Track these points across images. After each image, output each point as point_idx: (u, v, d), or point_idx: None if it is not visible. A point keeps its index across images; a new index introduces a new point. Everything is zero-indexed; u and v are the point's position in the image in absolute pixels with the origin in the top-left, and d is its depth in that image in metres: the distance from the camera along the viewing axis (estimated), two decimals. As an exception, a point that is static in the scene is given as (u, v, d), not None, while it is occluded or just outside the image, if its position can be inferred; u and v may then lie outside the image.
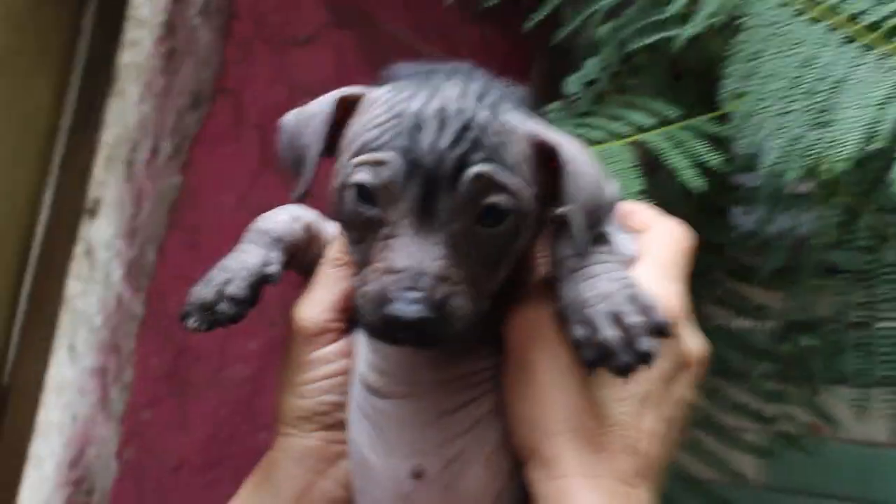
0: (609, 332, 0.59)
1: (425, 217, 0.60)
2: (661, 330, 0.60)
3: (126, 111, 1.56)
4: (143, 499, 1.59)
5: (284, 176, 0.67)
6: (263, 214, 0.73)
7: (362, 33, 1.84)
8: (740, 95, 1.07)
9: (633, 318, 0.59)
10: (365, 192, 0.61)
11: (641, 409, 0.63)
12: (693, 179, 1.10)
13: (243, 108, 1.70)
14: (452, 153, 0.59)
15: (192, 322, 0.68)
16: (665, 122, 1.19)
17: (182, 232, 1.62)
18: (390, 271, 0.59)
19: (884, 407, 1.25)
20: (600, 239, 0.65)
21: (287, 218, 0.73)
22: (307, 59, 1.79)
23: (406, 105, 0.62)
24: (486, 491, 0.68)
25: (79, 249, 1.56)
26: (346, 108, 0.66)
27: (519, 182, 0.61)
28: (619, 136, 1.17)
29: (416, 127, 0.60)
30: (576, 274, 0.63)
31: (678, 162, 1.11)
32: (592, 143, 1.16)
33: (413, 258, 0.59)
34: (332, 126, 0.66)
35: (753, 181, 1.34)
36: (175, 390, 1.62)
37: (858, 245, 1.21)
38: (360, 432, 0.71)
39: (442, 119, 0.60)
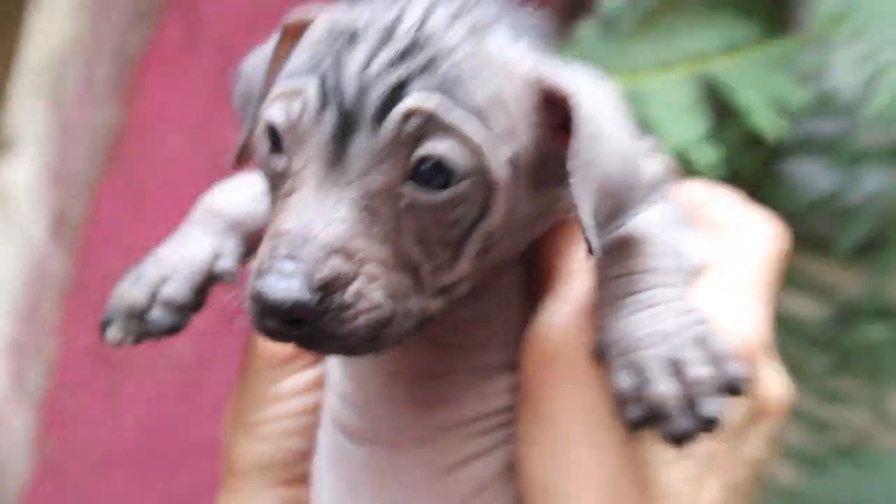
0: (664, 387, 0.52)
1: (335, 165, 0.51)
2: (735, 388, 0.52)
3: (52, 24, 1.38)
4: (63, 499, 1.50)
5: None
6: (217, 187, 0.66)
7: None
8: (840, 18, 1.02)
9: (700, 371, 0.52)
10: (275, 136, 0.53)
11: (703, 474, 0.58)
12: (770, 123, 1.00)
13: (200, 22, 1.54)
14: (386, 77, 0.50)
15: (113, 332, 0.62)
16: (732, 50, 1.09)
17: (120, 178, 1.50)
18: (275, 235, 0.51)
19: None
20: (664, 250, 0.57)
21: (249, 194, 0.64)
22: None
23: (353, 21, 0.54)
24: None
25: (-10, 194, 1.43)
26: (295, 38, 0.59)
27: (484, 131, 0.51)
28: (676, 66, 1.08)
29: (349, 44, 0.52)
30: (627, 298, 0.54)
31: (753, 100, 1.01)
32: (640, 74, 1.07)
33: (303, 217, 0.50)
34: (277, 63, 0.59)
35: (833, 130, 1.26)
36: (105, 370, 1.51)
37: None
38: (328, 490, 0.64)
39: (387, 34, 0.52)
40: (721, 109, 1.11)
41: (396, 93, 0.49)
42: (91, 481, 1.49)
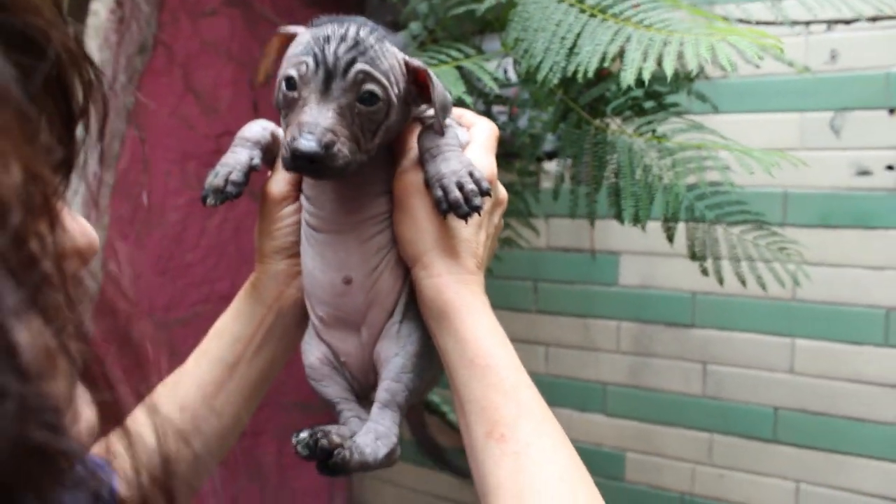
0: (455, 194, 0.70)
1: (325, 94, 0.67)
2: (486, 192, 0.71)
3: (92, 54, 1.83)
4: (117, 295, 1.97)
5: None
6: (245, 126, 0.81)
7: (244, 10, 2.20)
8: (517, 41, 1.32)
9: (470, 186, 0.70)
10: (291, 82, 0.69)
11: (478, 230, 0.76)
12: (492, 86, 1.38)
13: (172, 54, 2.06)
14: (345, 56, 0.68)
15: (210, 200, 0.75)
16: (467, 57, 1.44)
17: (132, 130, 1.99)
18: (299, 124, 0.67)
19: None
20: (450, 134, 0.74)
21: (259, 128, 0.81)
22: (211, 24, 2.13)
23: (320, 33, 0.70)
24: (392, 289, 0.77)
25: (66, 145, 1.92)
26: (287, 40, 0.75)
27: (387, 82, 0.70)
28: (446, 63, 1.41)
29: (325, 42, 0.68)
30: (436, 157, 0.72)
31: (483, 76, 1.38)
32: (431, 66, 1.34)
33: (313, 116, 0.67)
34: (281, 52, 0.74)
35: (509, 94, 1.66)
36: (136, 228, 2.02)
37: (566, 131, 1.46)
38: (308, 257, 0.78)
39: (342, 38, 0.69)
40: (469, 83, 1.45)
41: (351, 63, 0.67)
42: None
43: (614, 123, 1.55)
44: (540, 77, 1.27)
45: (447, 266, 0.73)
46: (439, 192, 0.71)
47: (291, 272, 0.81)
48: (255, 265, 0.82)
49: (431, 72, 0.73)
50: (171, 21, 2.04)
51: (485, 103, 1.65)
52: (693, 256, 1.59)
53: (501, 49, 1.47)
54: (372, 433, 0.75)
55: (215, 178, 0.76)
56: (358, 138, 0.70)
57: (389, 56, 0.71)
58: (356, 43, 0.69)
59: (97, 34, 1.90)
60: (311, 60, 0.68)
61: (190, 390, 0.83)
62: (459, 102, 1.33)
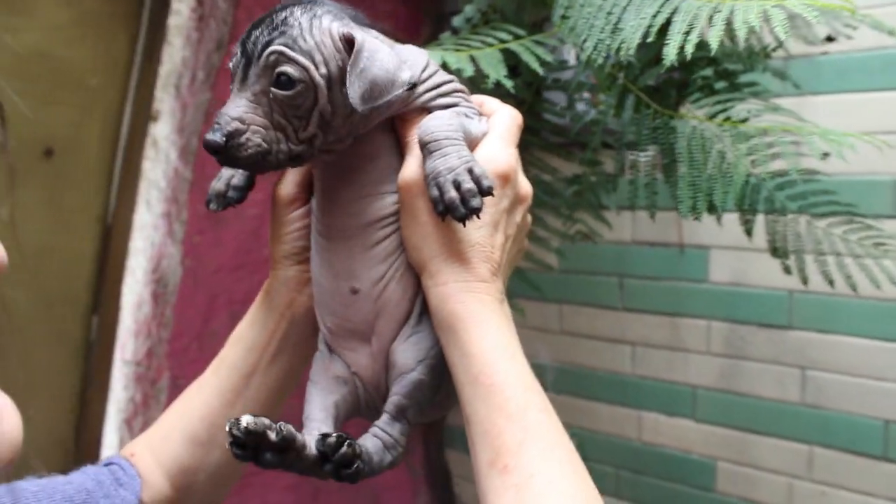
0: (451, 194, 0.65)
1: (243, 83, 0.64)
2: (487, 192, 0.65)
3: (174, 54, 1.99)
4: (196, 289, 2.02)
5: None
6: None
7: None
8: (565, 18, 1.26)
9: (468, 185, 0.64)
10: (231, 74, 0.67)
11: (493, 231, 0.70)
12: (536, 68, 1.29)
13: None
14: (263, 39, 0.64)
15: (212, 206, 0.75)
16: (518, 38, 1.38)
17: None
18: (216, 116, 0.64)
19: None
20: (454, 125, 0.68)
21: None
22: (288, 18, 2.16)
23: (259, 18, 0.67)
24: (402, 298, 0.72)
25: (149, 141, 1.98)
26: None
27: (309, 62, 0.65)
28: (491, 46, 1.35)
29: (254, 28, 0.66)
30: (433, 153, 0.66)
31: (528, 58, 1.31)
32: (473, 49, 1.33)
33: (226, 107, 0.64)
34: None
35: (565, 77, 1.58)
36: (213, 225, 2.05)
37: (628, 117, 1.40)
38: (316, 264, 0.75)
39: (269, 20, 0.66)
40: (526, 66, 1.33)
41: (266, 46, 0.64)
42: (209, 280, 1.99)
43: (683, 107, 1.41)
44: (584, 57, 1.19)
45: (454, 273, 0.68)
46: (435, 192, 0.65)
47: (302, 278, 0.78)
48: (269, 271, 0.80)
49: (370, 42, 0.66)
50: (246, 18, 2.04)
51: (544, 88, 1.58)
52: (774, 252, 1.42)
53: (555, 29, 1.38)
54: (380, 441, 0.72)
55: (218, 181, 0.74)
56: (283, 126, 0.65)
57: (319, 33, 0.65)
58: (279, 24, 0.65)
59: (180, 32, 1.98)
60: (239, 49, 0.65)
61: (209, 398, 0.81)
62: (498, 87, 1.24)
